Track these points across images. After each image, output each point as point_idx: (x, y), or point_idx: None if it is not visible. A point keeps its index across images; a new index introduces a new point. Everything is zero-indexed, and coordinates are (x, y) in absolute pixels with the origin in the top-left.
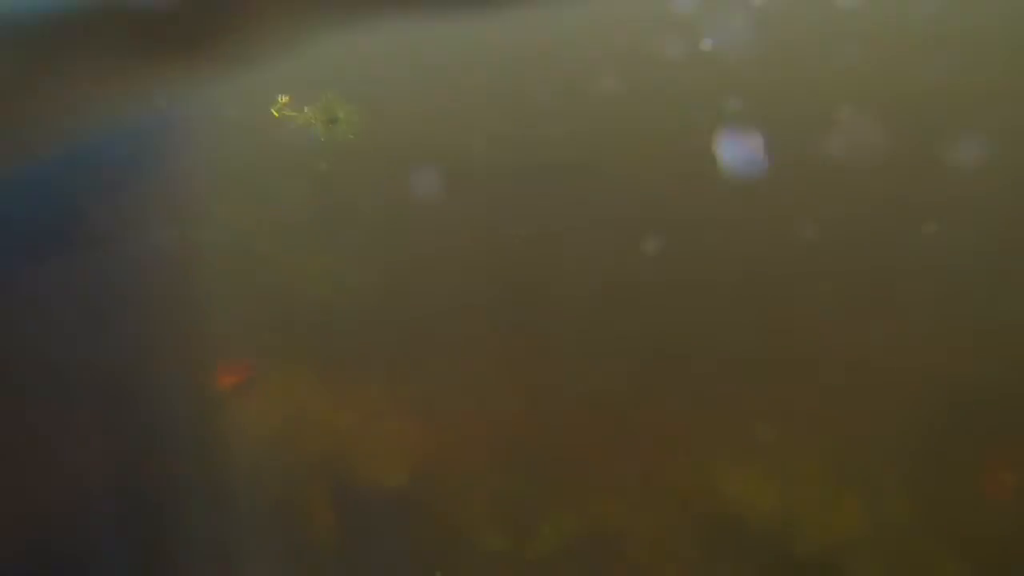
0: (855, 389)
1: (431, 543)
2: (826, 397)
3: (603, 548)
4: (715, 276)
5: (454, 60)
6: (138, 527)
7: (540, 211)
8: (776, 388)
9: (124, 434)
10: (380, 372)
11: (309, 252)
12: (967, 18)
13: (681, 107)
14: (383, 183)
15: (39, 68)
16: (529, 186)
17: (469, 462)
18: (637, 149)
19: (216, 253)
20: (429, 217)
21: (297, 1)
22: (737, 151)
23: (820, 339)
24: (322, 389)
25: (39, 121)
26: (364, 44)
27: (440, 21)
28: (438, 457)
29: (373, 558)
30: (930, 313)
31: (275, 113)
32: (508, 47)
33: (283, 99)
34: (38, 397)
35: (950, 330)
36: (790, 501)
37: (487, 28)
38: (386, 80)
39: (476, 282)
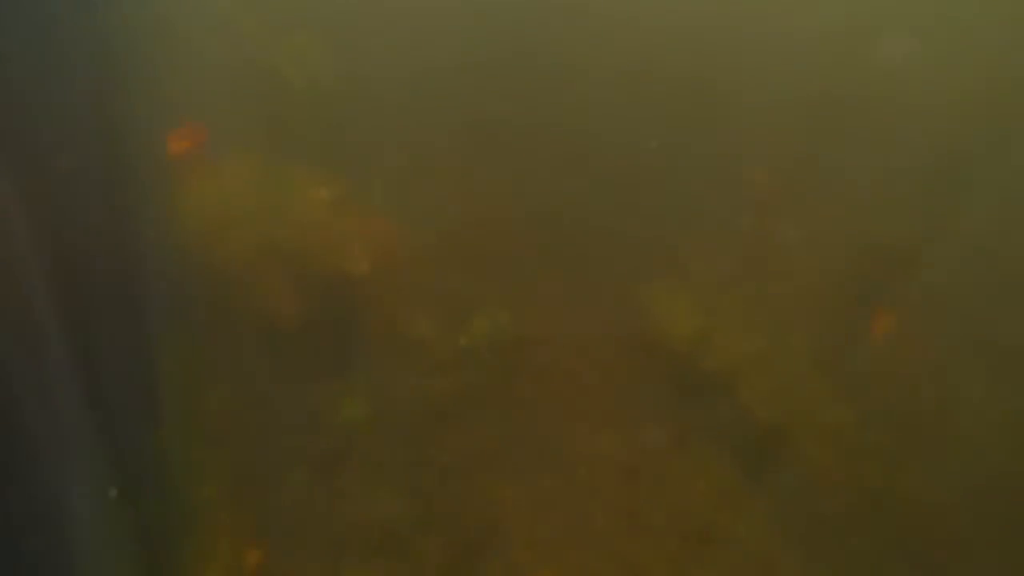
0: (772, 233)
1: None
2: (746, 238)
3: (529, 347)
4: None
5: None
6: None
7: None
8: (702, 226)
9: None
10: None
11: (285, 31)
12: None
13: None
14: None
15: None
16: None
17: (418, 259)
18: None
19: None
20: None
21: None
22: None
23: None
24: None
25: None
26: None
27: None
28: (391, 252)
29: (322, 340)
30: (846, 172)
31: None
32: None
33: None
34: None
35: (859, 190)
36: (703, 325)
37: None
38: None
39: (444, 86)
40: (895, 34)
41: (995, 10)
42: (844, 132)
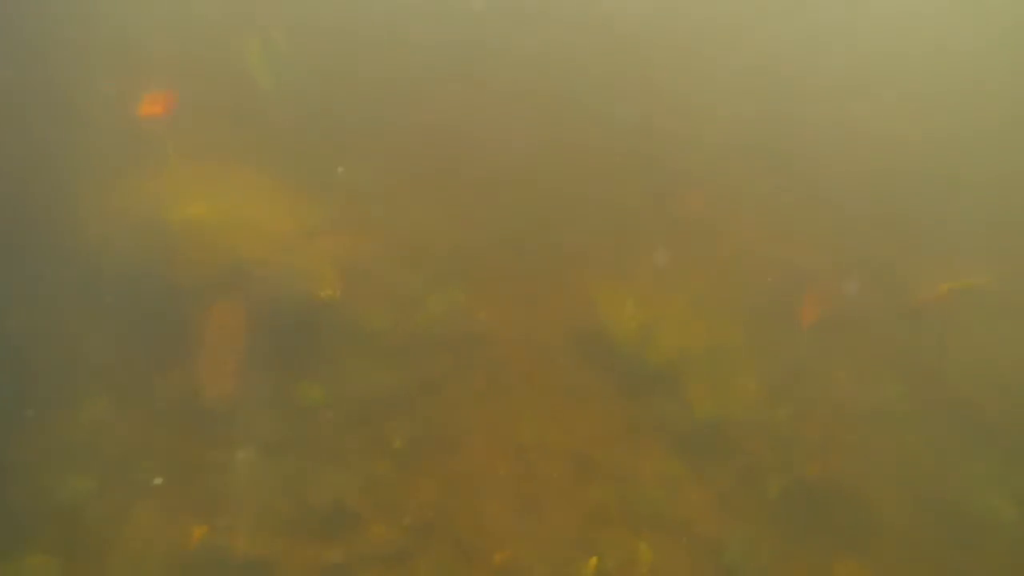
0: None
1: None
2: (691, 239)
3: (480, 339)
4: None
5: None
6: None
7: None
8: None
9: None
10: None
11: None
12: None
13: None
14: None
15: None
16: None
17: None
18: None
19: None
20: None
21: None
22: None
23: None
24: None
25: None
26: None
27: None
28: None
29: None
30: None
31: None
32: None
33: None
34: None
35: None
36: (649, 322)
37: None
38: None
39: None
40: None
41: None
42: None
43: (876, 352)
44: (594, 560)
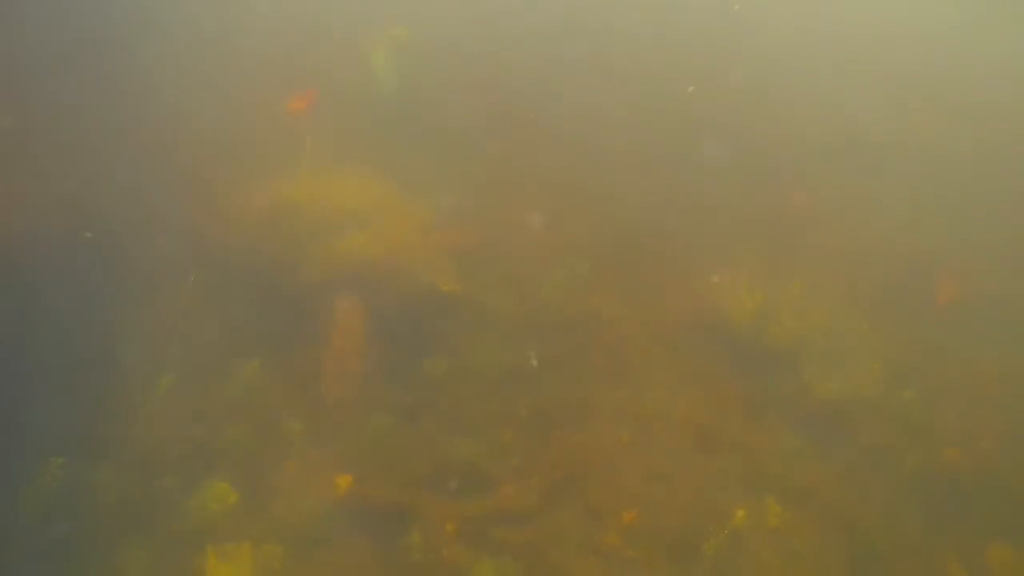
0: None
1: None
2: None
3: (597, 321)
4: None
5: None
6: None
7: None
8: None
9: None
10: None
11: None
12: None
13: None
14: None
15: None
16: None
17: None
18: None
19: None
20: None
21: None
22: None
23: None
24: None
25: None
26: None
27: None
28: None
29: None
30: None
31: None
32: None
33: None
34: None
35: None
36: (765, 306)
37: None
38: None
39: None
40: None
41: None
42: None
43: (1014, 335)
44: (741, 512)
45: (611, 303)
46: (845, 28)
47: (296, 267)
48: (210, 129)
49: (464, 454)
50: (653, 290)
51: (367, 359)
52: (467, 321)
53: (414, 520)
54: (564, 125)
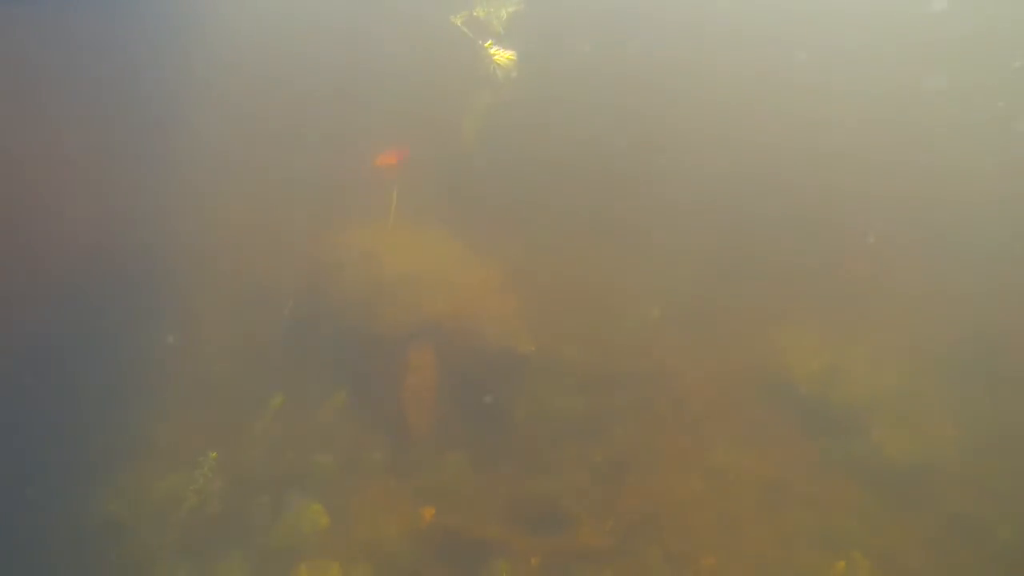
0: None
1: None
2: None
3: (663, 375)
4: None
5: None
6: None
7: None
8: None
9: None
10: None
11: None
12: None
13: None
14: None
15: None
16: None
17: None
18: None
19: None
20: None
21: None
22: None
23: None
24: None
25: None
26: None
27: None
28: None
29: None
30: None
31: None
32: None
33: None
34: None
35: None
36: (833, 365)
37: None
38: None
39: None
40: None
41: None
42: None
43: None
44: (842, 564)
45: (676, 359)
46: None
47: (378, 313)
48: (310, 179)
49: (542, 493)
50: (718, 347)
51: (444, 402)
52: (536, 373)
53: (498, 553)
54: (633, 190)
